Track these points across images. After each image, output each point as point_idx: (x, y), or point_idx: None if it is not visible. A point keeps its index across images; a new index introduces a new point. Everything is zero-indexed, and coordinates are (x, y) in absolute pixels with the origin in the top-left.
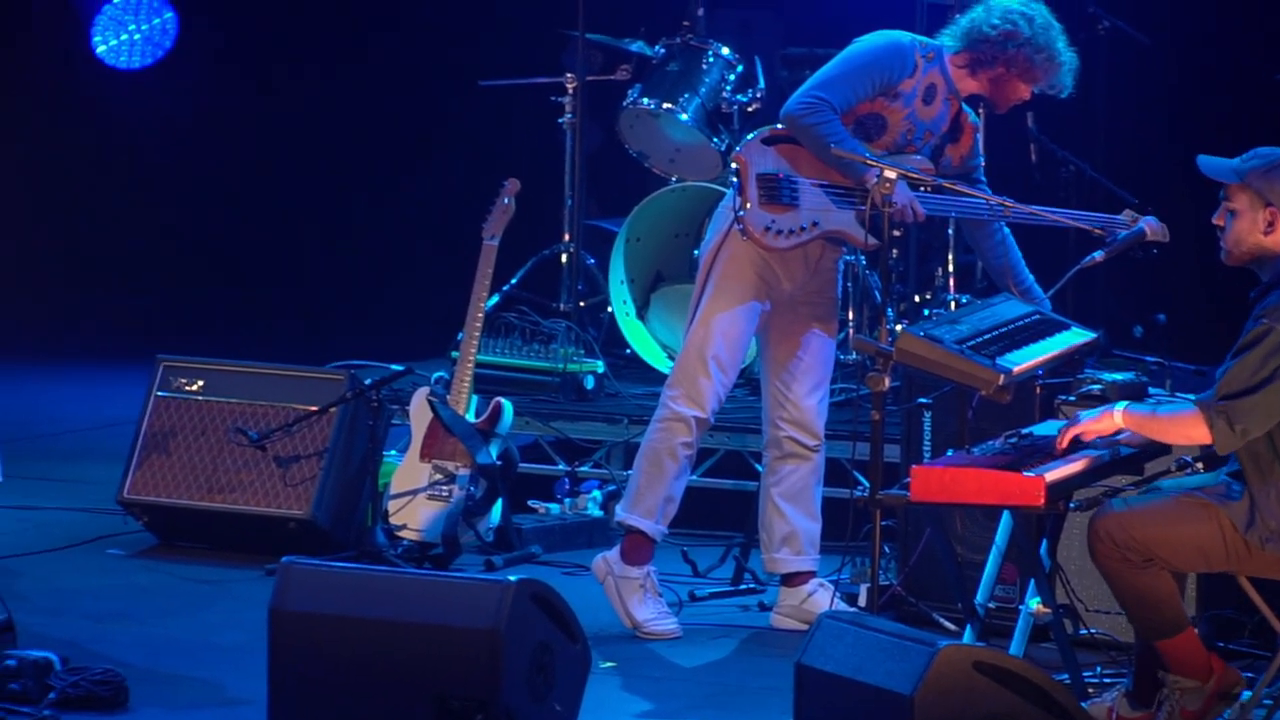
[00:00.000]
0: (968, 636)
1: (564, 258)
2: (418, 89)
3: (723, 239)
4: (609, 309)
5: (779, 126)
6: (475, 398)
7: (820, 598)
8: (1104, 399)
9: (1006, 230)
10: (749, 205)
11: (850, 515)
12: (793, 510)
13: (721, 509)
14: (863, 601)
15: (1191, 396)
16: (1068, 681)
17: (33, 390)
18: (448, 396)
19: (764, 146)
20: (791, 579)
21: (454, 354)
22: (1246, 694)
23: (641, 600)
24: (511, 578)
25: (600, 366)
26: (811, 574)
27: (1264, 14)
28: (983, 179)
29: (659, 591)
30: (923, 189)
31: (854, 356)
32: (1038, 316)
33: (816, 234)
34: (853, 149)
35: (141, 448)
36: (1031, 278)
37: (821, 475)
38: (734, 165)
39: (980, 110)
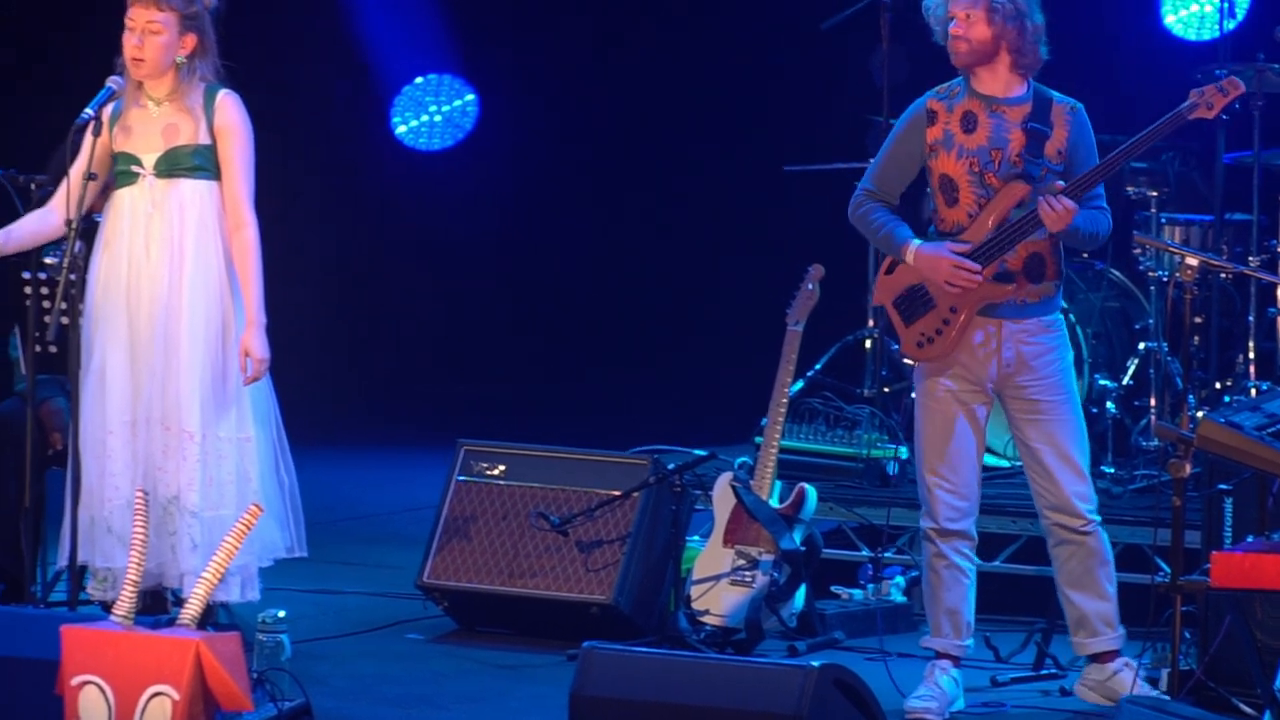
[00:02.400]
0: None
1: (868, 343)
2: (722, 174)
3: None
4: (912, 395)
5: None
6: (779, 483)
7: (1124, 678)
8: None
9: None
10: (902, 339)
11: (1151, 601)
12: (1078, 595)
13: (1023, 594)
14: (1164, 686)
15: None
16: None
17: (335, 475)
18: (751, 482)
19: (886, 277)
20: (1099, 655)
21: (758, 439)
22: None
23: (923, 679)
24: (814, 663)
25: (904, 452)
26: (1115, 652)
27: None
28: (1099, 205)
29: (936, 681)
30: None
31: (1156, 443)
32: None
33: (965, 314)
34: (881, 223)
35: (442, 532)
36: None
37: (1102, 553)
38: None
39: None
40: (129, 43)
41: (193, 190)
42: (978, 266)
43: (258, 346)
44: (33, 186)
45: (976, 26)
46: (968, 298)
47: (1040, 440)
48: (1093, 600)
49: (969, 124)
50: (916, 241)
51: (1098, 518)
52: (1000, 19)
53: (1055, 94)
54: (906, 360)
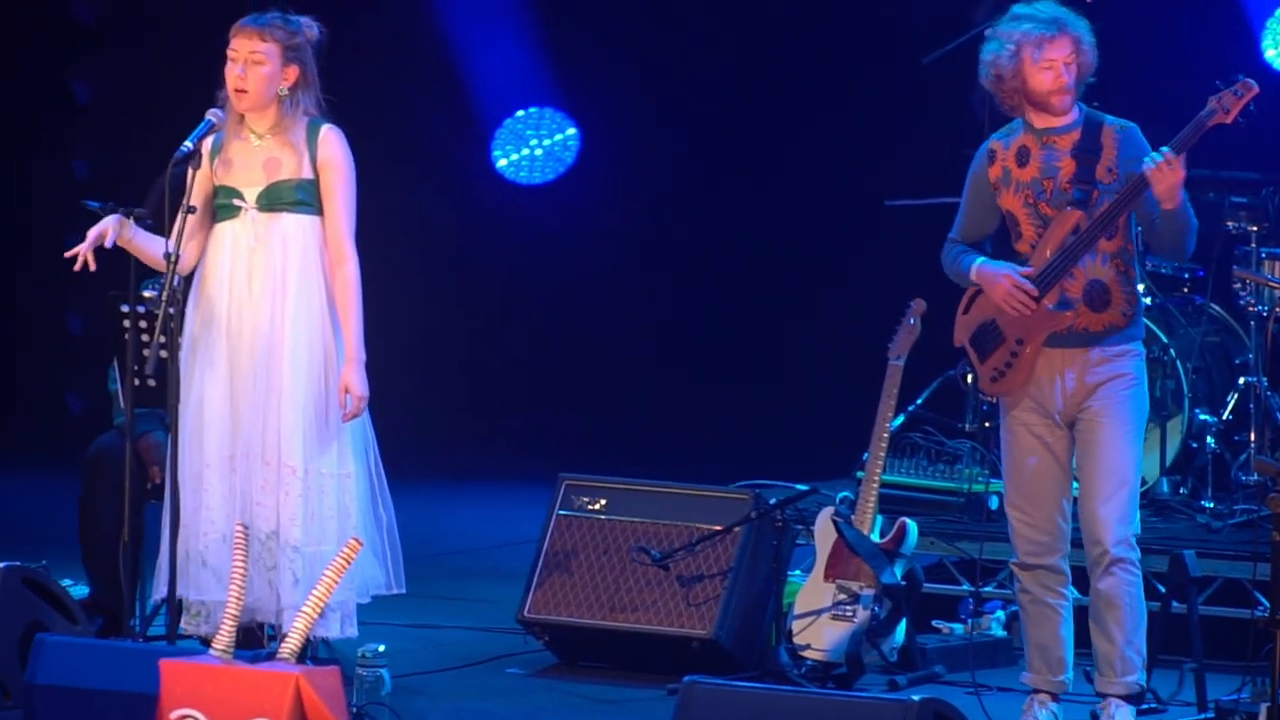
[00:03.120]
0: None
1: (969, 378)
2: (823, 209)
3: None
4: None
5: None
6: (880, 518)
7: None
8: None
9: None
10: (980, 374)
11: (1250, 636)
12: (1093, 625)
13: None
14: None
15: None
16: None
17: (436, 509)
18: (852, 516)
19: (963, 316)
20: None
21: (859, 474)
22: None
23: (1022, 714)
24: (915, 697)
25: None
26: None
27: None
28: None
29: (1035, 715)
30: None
31: (1255, 478)
32: None
33: (1031, 345)
34: (954, 258)
35: (543, 566)
36: None
37: (1119, 598)
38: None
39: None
40: (231, 74)
41: (295, 224)
42: (1034, 289)
43: (357, 383)
44: (131, 219)
45: (1072, 70)
46: (1032, 328)
47: (1085, 456)
48: (1099, 639)
49: (1022, 158)
50: (980, 260)
51: (1123, 553)
52: (1091, 59)
53: (1107, 117)
54: (984, 396)
